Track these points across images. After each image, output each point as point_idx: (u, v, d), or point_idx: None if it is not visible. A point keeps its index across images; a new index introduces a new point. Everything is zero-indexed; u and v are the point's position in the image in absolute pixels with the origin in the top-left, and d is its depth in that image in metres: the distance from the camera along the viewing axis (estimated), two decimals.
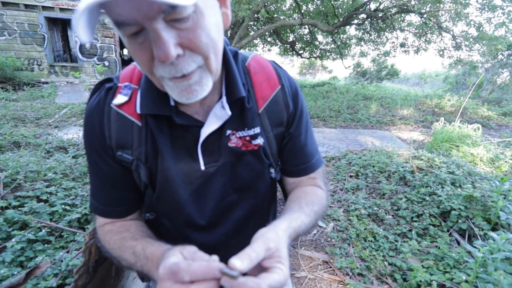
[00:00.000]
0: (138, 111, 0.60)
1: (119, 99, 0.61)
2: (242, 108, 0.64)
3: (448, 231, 2.28)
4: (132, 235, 0.64)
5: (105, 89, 0.63)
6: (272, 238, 0.48)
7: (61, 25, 11.12)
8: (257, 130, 0.66)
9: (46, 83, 10.14)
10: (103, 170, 0.65)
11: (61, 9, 10.17)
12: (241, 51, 0.71)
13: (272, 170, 0.73)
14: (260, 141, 0.67)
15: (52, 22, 10.61)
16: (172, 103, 0.60)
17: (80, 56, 10.90)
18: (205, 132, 0.62)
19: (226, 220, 0.72)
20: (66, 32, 11.26)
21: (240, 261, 0.41)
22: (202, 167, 0.65)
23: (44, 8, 9.98)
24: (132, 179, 0.67)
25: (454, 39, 7.94)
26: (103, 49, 11.16)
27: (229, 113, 0.61)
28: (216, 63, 0.52)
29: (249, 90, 0.66)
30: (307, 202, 0.67)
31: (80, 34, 0.38)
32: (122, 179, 0.66)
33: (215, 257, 0.44)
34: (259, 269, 0.45)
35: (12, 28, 9.84)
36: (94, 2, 0.36)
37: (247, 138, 0.66)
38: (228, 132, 0.64)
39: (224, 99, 0.61)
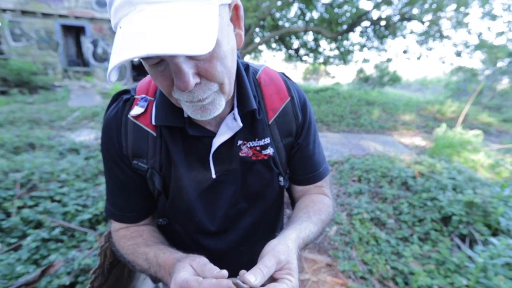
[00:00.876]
0: (153, 122, 0.63)
1: (136, 110, 0.64)
2: (253, 120, 0.66)
3: (449, 236, 2.33)
4: (145, 241, 0.66)
5: (122, 100, 0.66)
6: (282, 251, 0.51)
7: (75, 32, 11.39)
8: (267, 140, 0.68)
9: (60, 86, 10.36)
10: (119, 177, 0.68)
11: (76, 17, 10.45)
12: (252, 63, 0.73)
13: (281, 179, 0.75)
14: (270, 151, 0.69)
15: (67, 29, 10.90)
16: (186, 115, 0.63)
17: (92, 61, 11.14)
18: (217, 142, 0.64)
19: (236, 227, 0.74)
20: (79, 39, 11.52)
21: (254, 277, 0.45)
22: (214, 176, 0.67)
23: (60, 16, 10.28)
24: (146, 186, 0.69)
25: (455, 47, 8.01)
26: None
27: (241, 124, 0.64)
28: (230, 86, 0.55)
29: (260, 102, 0.68)
30: (315, 211, 0.70)
31: (112, 78, 0.43)
32: (137, 186, 0.69)
33: (224, 272, 0.46)
34: (269, 279, 0.49)
35: (29, 35, 10.16)
36: (130, 58, 0.38)
37: (257, 148, 0.68)
38: (239, 142, 0.66)
39: (236, 111, 0.64)
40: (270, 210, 0.79)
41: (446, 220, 2.46)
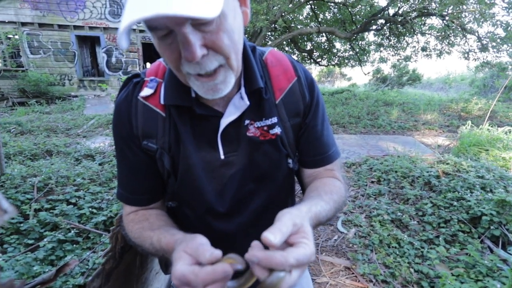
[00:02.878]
0: (162, 102, 0.65)
1: (146, 91, 0.65)
2: (260, 99, 0.67)
3: (479, 237, 2.15)
4: (150, 225, 0.66)
5: (133, 83, 0.68)
6: (296, 215, 0.50)
7: (90, 43, 11.92)
8: (274, 120, 0.68)
9: (76, 96, 10.85)
10: (130, 159, 0.69)
11: (90, 28, 10.95)
12: (258, 46, 0.75)
13: (290, 161, 0.75)
14: (277, 130, 0.69)
15: (82, 40, 11.43)
16: (193, 95, 0.63)
17: (106, 70, 11.59)
18: (225, 122, 0.65)
19: (245, 209, 0.74)
20: (94, 49, 12.04)
21: (273, 236, 0.42)
22: (222, 156, 0.67)
23: (75, 27, 10.81)
24: (156, 168, 0.70)
25: (479, 41, 7.62)
26: (128, 63, 11.78)
27: (247, 103, 0.64)
28: (237, 61, 0.56)
29: (267, 82, 0.68)
30: (326, 191, 0.68)
31: (122, 43, 0.44)
32: (147, 168, 0.70)
33: (217, 254, 0.44)
34: (284, 245, 0.46)
35: (46, 47, 10.73)
36: (139, 19, 0.41)
37: (265, 128, 0.68)
38: (247, 122, 0.67)
39: (242, 90, 0.64)
40: (279, 193, 0.77)
41: (475, 221, 2.28)
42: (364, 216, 2.63)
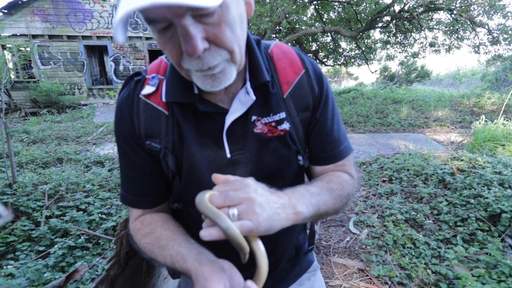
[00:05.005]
0: (164, 99, 0.62)
1: (147, 89, 0.63)
2: (267, 94, 0.63)
3: (499, 236, 2.06)
4: (157, 240, 0.63)
5: (134, 82, 0.66)
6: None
7: (98, 52, 12.17)
8: (282, 115, 0.65)
9: (86, 105, 11.08)
10: (133, 160, 0.66)
11: (98, 37, 11.18)
12: (263, 40, 0.71)
13: (300, 157, 0.71)
14: (286, 126, 0.66)
15: (90, 49, 11.69)
16: (196, 91, 0.61)
17: (114, 78, 11.80)
18: (230, 118, 0.62)
19: None
20: (102, 58, 12.28)
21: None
22: (228, 155, 0.64)
23: (84, 37, 11.08)
24: (160, 168, 0.68)
25: (490, 34, 7.41)
26: (135, 70, 11.94)
27: (254, 97, 0.61)
28: (240, 55, 0.54)
29: (273, 76, 0.65)
30: (321, 179, 0.67)
31: (118, 37, 0.42)
32: (150, 169, 0.67)
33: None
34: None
35: (56, 58, 11.02)
36: (134, 8, 0.38)
37: (273, 124, 0.65)
38: (253, 118, 0.64)
39: (248, 84, 0.62)
40: None
41: (494, 218, 2.19)
42: (377, 216, 2.56)
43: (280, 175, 0.69)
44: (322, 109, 0.69)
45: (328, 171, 0.73)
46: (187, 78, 0.56)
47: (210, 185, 0.64)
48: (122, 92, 0.67)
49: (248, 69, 0.63)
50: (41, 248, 1.98)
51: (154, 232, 0.66)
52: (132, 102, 0.64)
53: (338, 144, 0.72)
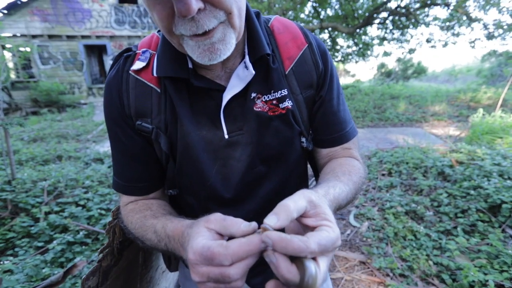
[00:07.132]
0: (155, 74, 0.57)
1: (137, 65, 0.58)
2: (267, 69, 0.58)
3: (500, 226, 2.06)
4: (153, 213, 0.60)
5: (123, 58, 0.61)
6: (311, 192, 0.42)
7: (97, 51, 12.08)
8: (284, 92, 0.60)
9: (85, 103, 11.04)
10: (124, 143, 0.61)
11: (97, 37, 11.11)
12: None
13: (303, 139, 0.66)
14: (288, 104, 0.61)
15: (90, 49, 11.61)
16: (190, 66, 0.56)
17: None
18: (228, 95, 0.57)
19: (254, 195, 0.65)
20: (102, 57, 12.20)
21: (275, 217, 0.36)
22: (226, 136, 0.59)
23: (83, 37, 11.00)
24: (153, 151, 0.63)
25: (485, 28, 7.44)
26: None
27: (253, 72, 0.56)
28: (239, 20, 0.49)
29: (274, 50, 0.60)
30: (344, 172, 0.60)
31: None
32: (142, 152, 0.62)
33: (254, 225, 0.38)
34: (303, 227, 0.40)
35: (56, 57, 10.96)
36: None
37: (274, 102, 0.60)
38: (253, 95, 0.59)
39: (247, 58, 0.56)
40: (292, 175, 0.68)
41: (494, 209, 2.19)
42: (377, 209, 2.56)
43: (282, 158, 0.64)
44: (327, 88, 0.65)
45: (335, 154, 0.69)
46: (179, 50, 0.50)
47: (207, 167, 0.60)
48: (111, 70, 0.61)
49: (247, 42, 0.58)
50: (40, 244, 1.96)
51: (150, 208, 0.62)
52: (121, 79, 0.59)
53: (344, 125, 0.68)
